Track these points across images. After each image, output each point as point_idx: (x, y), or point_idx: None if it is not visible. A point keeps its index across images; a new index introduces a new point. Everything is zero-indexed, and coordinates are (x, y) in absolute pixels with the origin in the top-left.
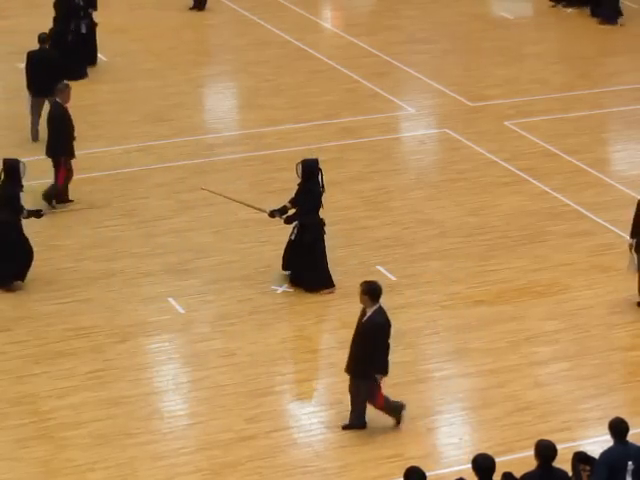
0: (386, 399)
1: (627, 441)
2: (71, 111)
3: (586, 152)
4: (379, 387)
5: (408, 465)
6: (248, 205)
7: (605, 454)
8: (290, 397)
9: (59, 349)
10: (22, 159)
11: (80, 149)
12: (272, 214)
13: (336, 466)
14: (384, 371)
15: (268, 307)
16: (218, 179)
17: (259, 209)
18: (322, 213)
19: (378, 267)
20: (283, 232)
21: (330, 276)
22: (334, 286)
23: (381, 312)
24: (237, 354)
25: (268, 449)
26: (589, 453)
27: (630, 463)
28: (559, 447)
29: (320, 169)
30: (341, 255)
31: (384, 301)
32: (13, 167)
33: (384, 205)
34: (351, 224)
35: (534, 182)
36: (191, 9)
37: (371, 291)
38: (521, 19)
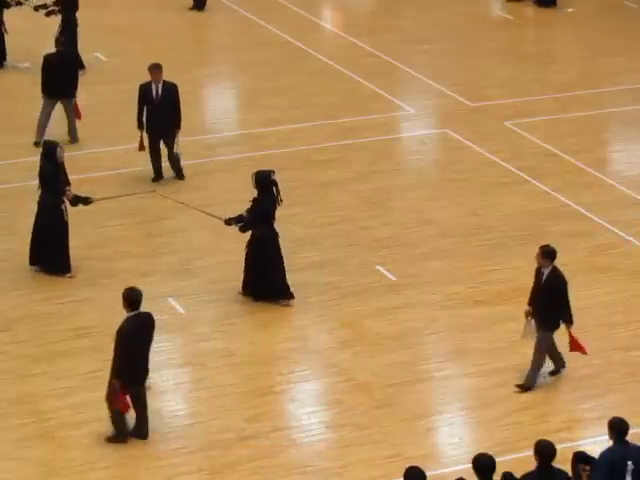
0: (120, 414)
1: (627, 441)
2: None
3: (586, 152)
4: (119, 394)
5: (408, 465)
6: (206, 213)
7: (605, 454)
8: (290, 397)
9: (59, 349)
10: (19, 160)
11: (80, 149)
12: (228, 222)
13: (336, 466)
14: (127, 379)
15: (268, 307)
16: (218, 179)
17: (215, 217)
18: (322, 213)
19: (378, 267)
20: (283, 232)
21: (287, 288)
22: (293, 298)
23: (133, 319)
24: (237, 354)
25: (268, 449)
26: (589, 453)
27: (630, 463)
28: (559, 447)
29: (275, 181)
30: (341, 255)
31: (385, 301)
32: (51, 149)
33: (384, 205)
34: (351, 224)
35: (534, 182)
36: (191, 9)
37: (127, 297)
38: (521, 19)
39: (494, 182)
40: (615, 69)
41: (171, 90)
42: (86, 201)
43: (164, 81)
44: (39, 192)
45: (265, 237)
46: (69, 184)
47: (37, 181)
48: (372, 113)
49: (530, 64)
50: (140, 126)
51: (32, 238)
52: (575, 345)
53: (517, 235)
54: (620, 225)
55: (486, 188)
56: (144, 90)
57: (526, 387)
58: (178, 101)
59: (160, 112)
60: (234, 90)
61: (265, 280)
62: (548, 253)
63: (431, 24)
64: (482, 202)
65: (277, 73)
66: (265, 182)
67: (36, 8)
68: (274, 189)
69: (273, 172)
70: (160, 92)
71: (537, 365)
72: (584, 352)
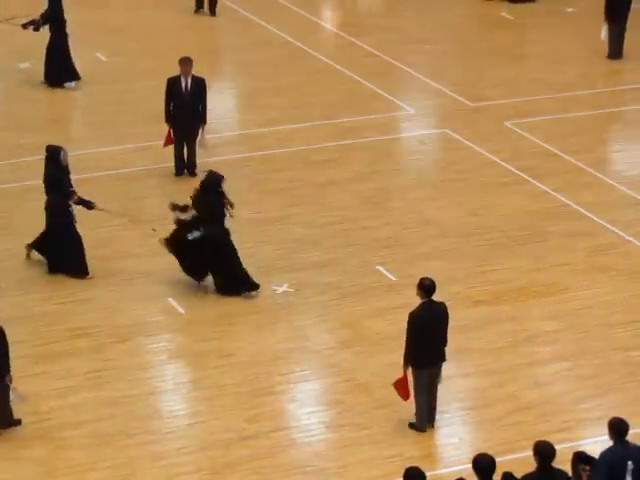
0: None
1: (627, 441)
2: (70, 111)
3: (586, 152)
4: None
5: (408, 465)
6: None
7: (605, 454)
8: (290, 397)
9: (59, 349)
10: (19, 160)
11: (80, 149)
12: (173, 207)
13: (336, 466)
14: None
15: (268, 307)
16: None
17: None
18: (322, 213)
19: (378, 267)
20: (283, 232)
21: (248, 278)
22: (257, 288)
23: None
24: (237, 354)
25: (268, 449)
26: (589, 453)
27: (630, 463)
28: (559, 447)
29: (222, 190)
30: (341, 255)
31: (385, 301)
32: (54, 152)
33: (384, 205)
34: (351, 224)
35: (534, 182)
36: (196, 12)
37: None
38: (521, 19)
39: (494, 182)
40: (615, 69)
41: (200, 84)
42: (88, 204)
43: (193, 75)
44: (45, 197)
45: (217, 237)
46: (72, 186)
47: (36, 182)
48: (372, 113)
49: (530, 64)
50: (168, 120)
51: (47, 245)
52: (400, 385)
53: (517, 235)
54: (620, 225)
55: (486, 188)
56: (172, 83)
57: (417, 427)
58: (205, 96)
59: (188, 106)
60: (234, 90)
61: (223, 276)
62: (422, 286)
63: (431, 24)
64: (482, 202)
65: (277, 73)
66: (214, 185)
67: (24, 26)
68: (218, 194)
69: (224, 179)
70: (190, 86)
71: (418, 404)
72: (404, 397)
